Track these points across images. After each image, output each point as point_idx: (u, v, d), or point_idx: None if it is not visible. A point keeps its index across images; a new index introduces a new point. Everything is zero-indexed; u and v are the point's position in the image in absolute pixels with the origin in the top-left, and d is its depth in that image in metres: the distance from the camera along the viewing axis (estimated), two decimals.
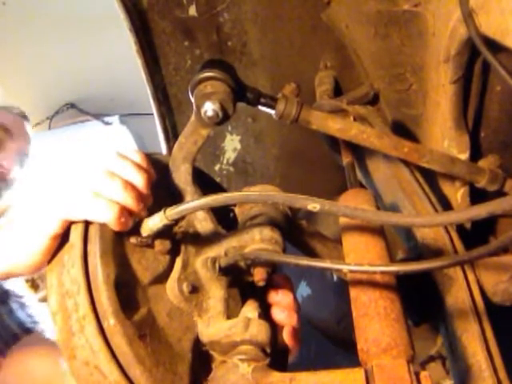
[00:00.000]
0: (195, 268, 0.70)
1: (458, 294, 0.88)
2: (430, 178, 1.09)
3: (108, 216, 0.61)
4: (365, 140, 0.90)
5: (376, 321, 0.62)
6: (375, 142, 0.90)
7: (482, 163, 1.01)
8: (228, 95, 0.75)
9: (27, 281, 2.38)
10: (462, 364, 0.80)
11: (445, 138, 1.03)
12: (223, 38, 1.31)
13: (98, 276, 0.60)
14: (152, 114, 1.46)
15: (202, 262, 0.71)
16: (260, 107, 0.87)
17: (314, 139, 1.17)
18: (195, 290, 0.68)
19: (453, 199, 1.08)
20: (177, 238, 0.71)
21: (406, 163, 1.05)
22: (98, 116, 3.61)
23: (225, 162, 1.59)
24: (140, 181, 0.65)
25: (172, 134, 1.48)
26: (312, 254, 0.85)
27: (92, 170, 0.64)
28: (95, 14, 2.01)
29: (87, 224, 0.63)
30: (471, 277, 0.91)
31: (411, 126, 1.21)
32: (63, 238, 0.63)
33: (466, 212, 0.54)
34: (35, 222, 0.63)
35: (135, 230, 0.65)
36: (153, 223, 0.65)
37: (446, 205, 1.08)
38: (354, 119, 1.06)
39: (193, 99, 0.76)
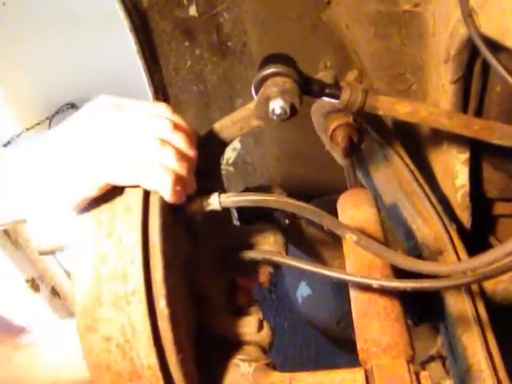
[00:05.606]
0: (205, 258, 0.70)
1: (457, 293, 0.88)
2: (429, 178, 1.09)
3: (165, 183, 0.56)
4: (435, 121, 0.86)
5: (376, 321, 0.62)
6: (445, 122, 0.85)
7: None
8: (296, 91, 0.73)
9: (27, 281, 2.37)
10: (462, 364, 0.80)
11: (444, 138, 1.03)
12: (223, 38, 1.31)
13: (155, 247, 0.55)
14: None
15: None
16: (324, 98, 0.83)
17: (313, 139, 1.17)
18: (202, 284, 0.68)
19: (453, 199, 1.08)
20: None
21: (406, 163, 1.05)
22: None
23: (225, 162, 1.59)
24: (192, 154, 0.61)
25: None
26: (311, 253, 0.85)
27: (143, 136, 0.58)
28: (95, 14, 2.01)
29: (147, 192, 0.58)
30: None
31: (411, 125, 1.21)
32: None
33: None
34: (75, 178, 0.57)
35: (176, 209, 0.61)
36: (206, 204, 0.62)
37: (446, 205, 1.08)
38: (354, 119, 1.06)
39: (255, 94, 0.75)
